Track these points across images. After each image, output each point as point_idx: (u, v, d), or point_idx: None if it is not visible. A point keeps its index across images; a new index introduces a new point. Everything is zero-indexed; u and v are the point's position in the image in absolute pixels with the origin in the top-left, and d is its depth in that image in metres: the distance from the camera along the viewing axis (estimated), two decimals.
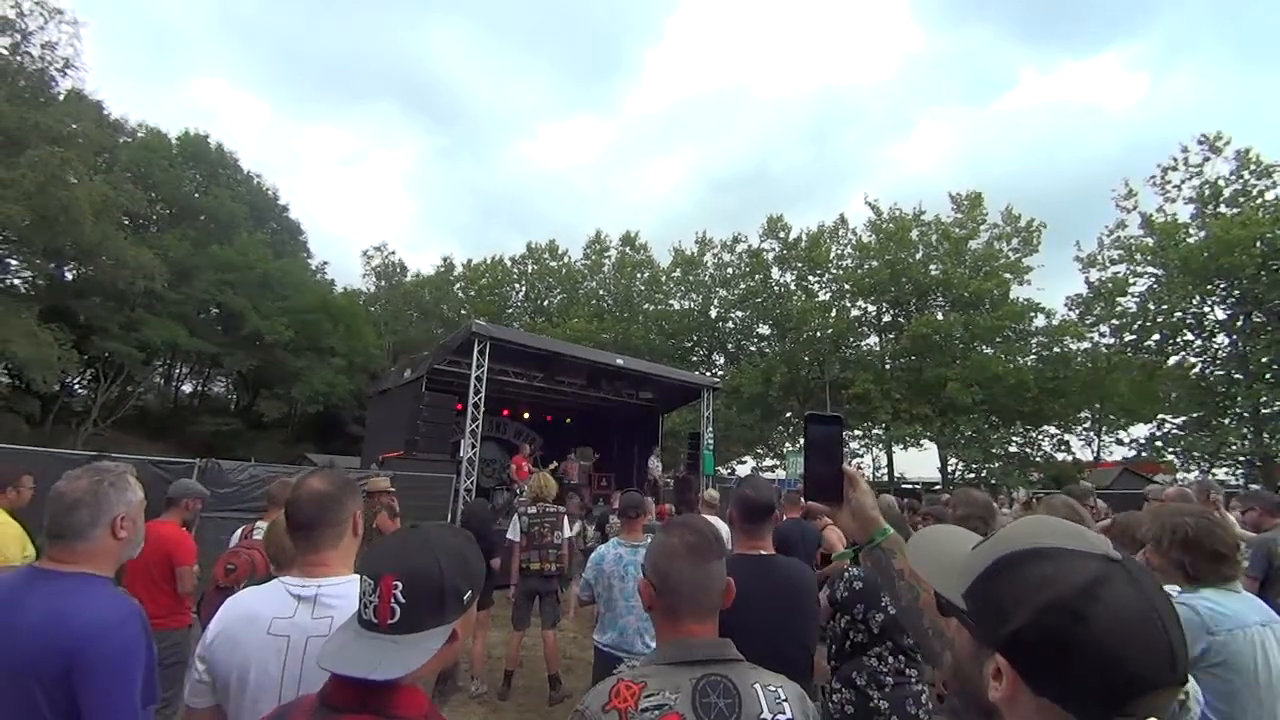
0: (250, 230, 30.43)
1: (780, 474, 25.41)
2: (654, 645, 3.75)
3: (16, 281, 22.14)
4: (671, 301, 34.08)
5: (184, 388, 33.66)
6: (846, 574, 2.64)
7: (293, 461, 19.17)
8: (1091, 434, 25.85)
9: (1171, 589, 1.83)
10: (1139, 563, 0.60)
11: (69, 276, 23.87)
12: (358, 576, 1.43)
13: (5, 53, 19.91)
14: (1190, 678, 1.45)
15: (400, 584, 0.98)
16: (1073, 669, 0.55)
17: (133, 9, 67.07)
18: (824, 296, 29.18)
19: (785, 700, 1.09)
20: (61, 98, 22.13)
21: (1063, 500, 2.52)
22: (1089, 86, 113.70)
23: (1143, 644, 0.53)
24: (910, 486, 24.73)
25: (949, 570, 0.72)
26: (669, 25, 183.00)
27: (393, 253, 43.19)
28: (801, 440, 1.28)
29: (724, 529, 4.98)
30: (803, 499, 3.08)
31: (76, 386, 25.94)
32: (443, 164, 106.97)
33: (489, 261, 39.11)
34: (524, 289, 38.91)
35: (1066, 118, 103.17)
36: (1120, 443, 24.94)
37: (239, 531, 3.77)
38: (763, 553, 2.24)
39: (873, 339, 28.85)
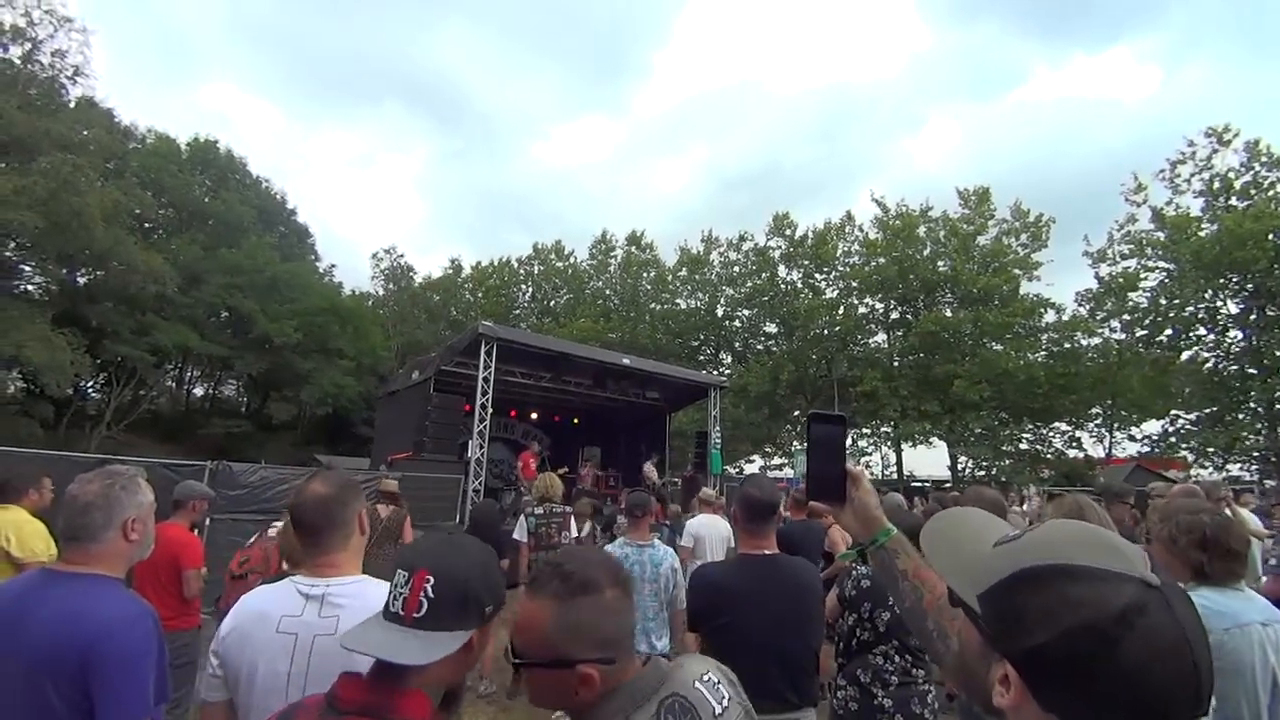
0: (259, 234, 30.61)
1: (788, 472, 25.33)
2: (660, 645, 3.71)
3: (30, 287, 22.44)
4: (678, 301, 33.98)
5: (195, 391, 33.95)
6: (855, 572, 2.64)
7: (303, 463, 19.29)
8: (1103, 430, 25.54)
9: None
10: (1180, 589, 0.56)
11: (81, 282, 24.11)
12: (366, 577, 1.45)
13: (16, 61, 20.18)
14: None
15: (432, 579, 1.02)
16: (1092, 694, 0.52)
17: (141, 15, 67.80)
18: (831, 294, 29.01)
19: (719, 684, 1.06)
20: (72, 105, 22.43)
21: (1073, 500, 2.41)
22: (1100, 81, 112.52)
23: (1171, 680, 0.51)
24: (920, 484, 24.57)
25: (965, 567, 0.68)
26: (678, 25, 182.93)
27: (401, 255, 43.40)
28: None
29: (726, 527, 4.98)
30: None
31: (90, 390, 26.16)
32: (452, 166, 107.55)
33: (496, 263, 39.25)
34: (530, 290, 38.99)
35: (1077, 112, 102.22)
36: (1133, 439, 24.60)
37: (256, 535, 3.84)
38: (767, 552, 2.24)
39: (880, 336, 28.66)
